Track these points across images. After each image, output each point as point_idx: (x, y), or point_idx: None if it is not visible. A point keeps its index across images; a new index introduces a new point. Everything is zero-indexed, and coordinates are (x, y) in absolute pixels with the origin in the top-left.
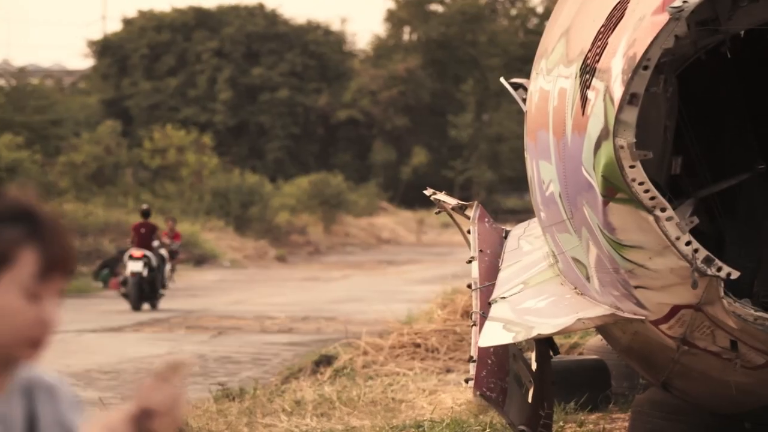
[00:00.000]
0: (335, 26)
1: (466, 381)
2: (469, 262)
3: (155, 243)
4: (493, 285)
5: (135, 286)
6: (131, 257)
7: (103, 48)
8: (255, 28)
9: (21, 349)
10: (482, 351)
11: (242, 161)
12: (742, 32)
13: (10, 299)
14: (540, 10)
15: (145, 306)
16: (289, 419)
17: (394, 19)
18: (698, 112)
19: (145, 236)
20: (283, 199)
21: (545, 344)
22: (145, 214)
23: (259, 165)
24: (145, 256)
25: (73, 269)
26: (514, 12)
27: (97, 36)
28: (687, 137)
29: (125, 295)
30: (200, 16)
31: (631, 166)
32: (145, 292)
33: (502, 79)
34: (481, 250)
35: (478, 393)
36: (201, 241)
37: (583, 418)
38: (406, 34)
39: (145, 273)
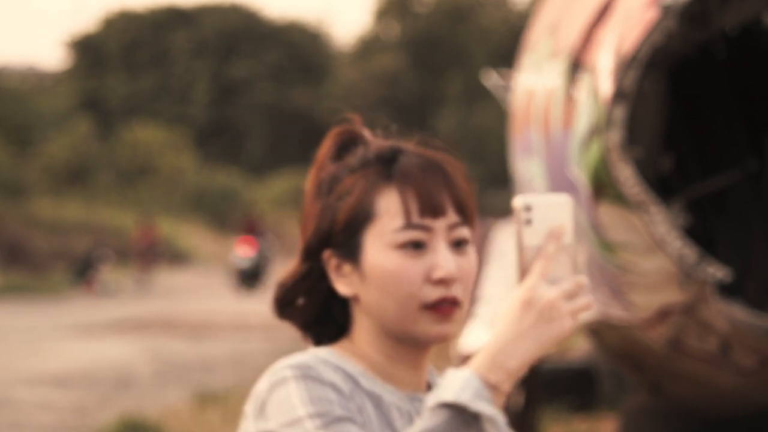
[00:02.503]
0: (318, 24)
1: None
2: None
3: (262, 235)
4: (477, 287)
5: (244, 271)
6: (240, 246)
7: (81, 46)
8: (235, 27)
9: (420, 319)
10: (467, 354)
11: (222, 159)
12: (734, 30)
13: (384, 256)
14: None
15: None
16: None
17: (381, 17)
18: (689, 109)
19: (253, 229)
20: (265, 195)
21: None
22: (250, 213)
23: (239, 163)
24: (252, 245)
25: (467, 205)
26: (499, 10)
27: (74, 34)
28: (677, 135)
29: (241, 277)
30: (179, 14)
31: (620, 164)
32: (253, 276)
33: (483, 80)
34: None
35: None
36: (180, 241)
37: (571, 421)
38: (392, 31)
39: (252, 260)
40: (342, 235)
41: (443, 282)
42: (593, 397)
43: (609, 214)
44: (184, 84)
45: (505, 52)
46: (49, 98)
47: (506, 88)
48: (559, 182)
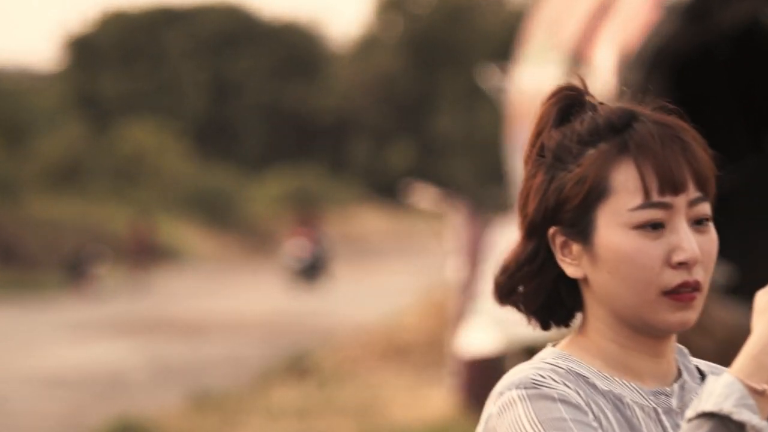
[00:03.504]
0: (314, 23)
1: (450, 385)
2: (449, 258)
3: (316, 232)
4: (475, 284)
5: (298, 266)
6: (294, 242)
7: (76, 45)
8: (231, 27)
9: (659, 306)
10: (467, 357)
11: (218, 158)
12: (735, 29)
13: (620, 237)
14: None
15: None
16: (267, 423)
17: (379, 16)
18: (690, 107)
19: (308, 224)
20: (262, 194)
21: (532, 350)
22: (307, 208)
23: (236, 162)
24: (306, 240)
25: (708, 178)
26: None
27: (70, 34)
28: None
29: (297, 273)
30: (175, 14)
31: None
32: (312, 270)
33: (478, 78)
34: (462, 246)
35: (462, 398)
36: (176, 240)
37: None
38: (391, 31)
39: (306, 255)
40: (572, 212)
41: (685, 265)
42: None
43: None
44: (181, 83)
45: (504, 52)
46: (44, 97)
47: (500, 88)
48: None
